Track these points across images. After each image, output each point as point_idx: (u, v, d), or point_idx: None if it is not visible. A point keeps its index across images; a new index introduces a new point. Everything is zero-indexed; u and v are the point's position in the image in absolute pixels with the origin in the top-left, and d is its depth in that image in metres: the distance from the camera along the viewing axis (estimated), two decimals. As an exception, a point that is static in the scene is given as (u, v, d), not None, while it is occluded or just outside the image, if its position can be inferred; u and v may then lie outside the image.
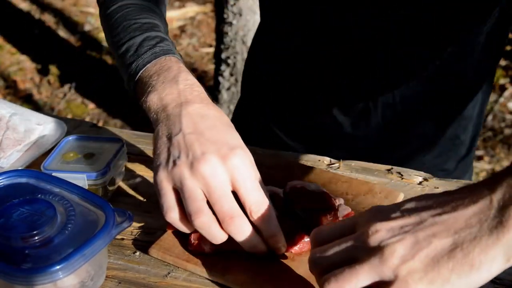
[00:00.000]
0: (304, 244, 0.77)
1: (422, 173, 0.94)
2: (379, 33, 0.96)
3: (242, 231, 0.72)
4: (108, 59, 3.61)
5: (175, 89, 0.77)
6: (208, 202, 0.72)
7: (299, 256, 0.77)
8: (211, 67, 3.49)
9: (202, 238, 0.77)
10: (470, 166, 1.18)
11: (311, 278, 0.73)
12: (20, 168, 0.94)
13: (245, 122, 1.17)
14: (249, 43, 2.49)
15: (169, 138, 0.74)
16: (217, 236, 0.72)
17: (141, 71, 0.81)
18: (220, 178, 0.70)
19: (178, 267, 0.78)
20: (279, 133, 1.15)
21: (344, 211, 0.81)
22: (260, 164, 0.95)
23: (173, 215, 0.74)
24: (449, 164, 1.12)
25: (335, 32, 0.99)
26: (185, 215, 0.73)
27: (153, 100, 0.77)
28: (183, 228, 0.75)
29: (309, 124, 1.11)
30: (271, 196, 0.85)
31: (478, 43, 0.97)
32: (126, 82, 0.85)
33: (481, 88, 1.06)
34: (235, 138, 0.75)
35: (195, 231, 0.79)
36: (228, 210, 0.71)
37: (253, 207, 0.72)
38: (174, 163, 0.72)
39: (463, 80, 1.02)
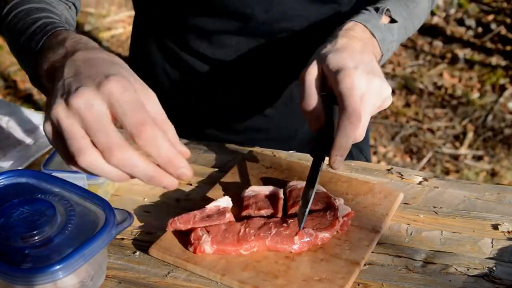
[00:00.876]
0: (304, 244, 0.77)
1: (421, 173, 0.94)
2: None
3: (127, 163, 0.63)
4: (108, 59, 3.60)
5: (62, 49, 0.73)
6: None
7: (299, 256, 0.77)
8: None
9: (202, 238, 0.77)
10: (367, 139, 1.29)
11: (311, 278, 0.73)
12: (20, 168, 0.94)
13: None
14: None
15: (52, 90, 0.68)
16: (108, 173, 0.65)
17: (39, 56, 0.77)
18: (95, 108, 0.63)
19: (178, 267, 0.78)
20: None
21: (344, 211, 0.81)
22: (260, 164, 0.95)
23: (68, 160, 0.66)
24: None
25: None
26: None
27: (42, 66, 0.74)
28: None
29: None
30: (271, 196, 0.85)
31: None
32: (32, 78, 0.81)
33: None
34: (116, 69, 0.68)
35: (194, 230, 0.79)
36: (105, 142, 0.63)
37: (133, 130, 0.63)
38: (51, 107, 0.66)
39: None
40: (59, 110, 0.65)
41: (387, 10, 0.94)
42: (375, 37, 0.90)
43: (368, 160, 1.31)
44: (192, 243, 0.78)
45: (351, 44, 0.86)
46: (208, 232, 0.79)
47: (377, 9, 0.94)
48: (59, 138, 0.66)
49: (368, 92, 0.80)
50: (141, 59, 1.19)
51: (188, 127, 1.13)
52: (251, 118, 1.15)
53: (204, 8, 1.03)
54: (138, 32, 1.21)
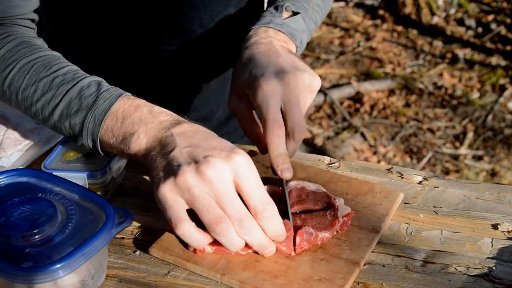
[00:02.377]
0: (304, 243, 0.77)
1: (422, 172, 0.94)
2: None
3: (252, 232, 0.71)
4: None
5: (157, 122, 0.75)
6: None
7: (299, 256, 0.77)
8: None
9: None
10: None
11: (311, 278, 0.74)
12: (20, 167, 0.94)
13: None
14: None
15: (165, 156, 0.72)
16: (237, 242, 0.71)
17: (102, 121, 0.77)
18: (226, 180, 0.69)
19: (178, 266, 0.78)
20: None
21: (344, 210, 0.81)
22: (260, 164, 0.95)
23: (185, 226, 0.71)
24: None
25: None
26: (197, 225, 0.71)
27: (140, 140, 0.75)
28: (198, 239, 0.72)
29: None
30: (270, 194, 0.85)
31: None
32: (83, 138, 0.80)
33: None
34: (229, 143, 0.74)
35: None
36: (239, 213, 0.69)
37: (258, 206, 0.71)
38: (176, 173, 0.69)
39: None
40: (190, 178, 0.68)
41: (286, 6, 0.96)
42: (284, 33, 0.92)
43: None
44: None
45: (256, 56, 0.87)
46: None
47: (276, 8, 0.96)
48: (178, 197, 0.70)
49: (285, 92, 0.81)
50: None
51: None
52: (171, 99, 1.16)
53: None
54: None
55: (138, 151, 0.76)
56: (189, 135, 0.73)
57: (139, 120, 0.76)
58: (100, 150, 0.81)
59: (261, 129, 0.83)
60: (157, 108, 0.78)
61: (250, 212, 0.71)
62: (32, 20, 0.94)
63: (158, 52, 1.10)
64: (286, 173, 0.80)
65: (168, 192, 0.70)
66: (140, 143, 0.75)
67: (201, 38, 1.09)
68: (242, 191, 0.70)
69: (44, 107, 0.82)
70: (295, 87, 0.82)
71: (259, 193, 0.71)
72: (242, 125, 0.88)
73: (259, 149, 0.89)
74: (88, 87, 0.80)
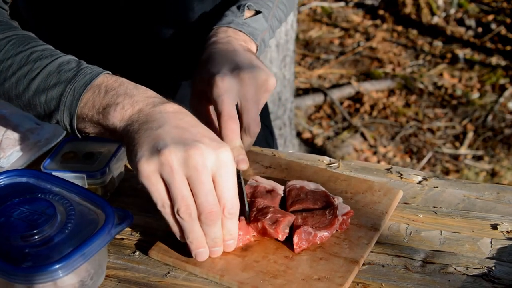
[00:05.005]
0: (303, 243, 0.77)
1: (421, 172, 0.94)
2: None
3: (215, 225, 0.72)
4: (108, 59, 3.61)
5: (144, 96, 0.75)
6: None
7: (298, 255, 0.77)
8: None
9: None
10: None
11: (310, 277, 0.74)
12: (20, 168, 0.94)
13: None
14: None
15: (151, 131, 0.70)
16: (194, 230, 0.72)
17: (82, 94, 0.76)
18: (208, 170, 0.69)
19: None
20: None
21: (343, 209, 0.81)
22: (259, 164, 0.95)
23: (168, 210, 0.72)
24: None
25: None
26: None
27: (124, 109, 0.74)
28: (174, 226, 0.73)
29: None
30: (271, 190, 0.85)
31: None
32: (59, 113, 0.78)
33: None
34: (217, 137, 0.75)
35: None
36: (211, 205, 0.70)
37: (228, 203, 0.72)
38: (161, 152, 0.68)
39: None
40: (174, 158, 0.68)
41: (248, 5, 0.97)
42: (244, 33, 0.94)
43: (273, 139, 1.35)
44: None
45: (213, 55, 0.88)
46: None
47: (239, 7, 0.97)
48: (161, 183, 0.70)
49: (241, 89, 0.83)
50: None
51: None
52: (166, 88, 1.15)
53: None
54: None
55: (119, 121, 0.74)
56: (179, 116, 0.73)
57: (124, 93, 0.75)
58: (75, 126, 0.78)
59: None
60: (142, 86, 0.77)
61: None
62: (4, 1, 0.92)
63: (151, 38, 1.09)
64: (242, 164, 0.80)
65: (151, 172, 0.69)
66: (124, 112, 0.74)
67: (195, 19, 1.08)
68: (219, 185, 0.71)
69: (19, 81, 0.80)
70: (251, 84, 0.83)
71: (234, 190, 0.72)
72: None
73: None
74: (68, 63, 0.79)
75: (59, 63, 0.79)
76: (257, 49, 0.96)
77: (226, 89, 0.82)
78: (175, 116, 0.73)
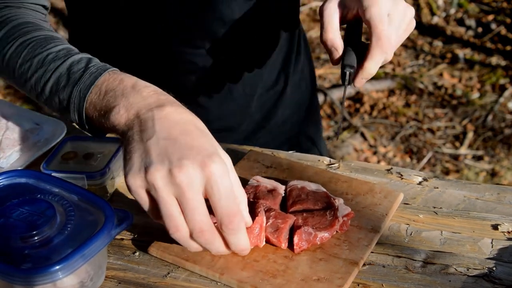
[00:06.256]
0: (303, 243, 0.77)
1: (422, 173, 0.94)
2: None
3: (211, 244, 0.69)
4: (108, 59, 3.61)
5: (139, 97, 0.73)
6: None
7: (298, 255, 0.77)
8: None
9: None
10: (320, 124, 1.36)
11: (310, 278, 0.73)
12: (19, 168, 0.94)
13: None
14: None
15: (141, 142, 0.70)
16: (191, 247, 0.71)
17: (87, 96, 0.76)
18: (195, 188, 0.67)
19: (177, 267, 0.78)
20: None
21: (344, 210, 0.81)
22: (260, 164, 0.95)
23: (159, 221, 0.70)
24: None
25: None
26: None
27: (119, 114, 0.73)
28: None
29: None
30: (272, 190, 0.85)
31: None
32: (71, 114, 0.79)
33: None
34: (211, 143, 0.71)
35: None
36: (199, 223, 0.68)
37: (224, 219, 0.68)
38: (146, 169, 0.67)
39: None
40: (158, 177, 0.67)
41: None
42: None
43: (322, 153, 1.35)
44: None
45: None
46: None
47: None
48: (149, 198, 0.69)
49: (395, 16, 0.83)
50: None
51: None
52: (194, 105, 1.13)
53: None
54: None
55: (117, 125, 0.73)
56: (170, 124, 0.70)
57: (121, 94, 0.74)
58: (86, 126, 0.79)
59: (339, 37, 0.85)
60: (142, 82, 0.75)
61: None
62: (44, 7, 0.95)
63: (181, 58, 1.09)
64: (361, 84, 0.85)
65: (138, 187, 0.69)
66: (119, 118, 0.73)
67: (224, 39, 1.07)
68: (211, 200, 0.68)
69: (36, 83, 0.81)
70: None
71: (227, 204, 0.68)
72: (324, 26, 0.87)
73: (331, 57, 0.87)
74: (78, 62, 0.79)
75: (70, 63, 0.80)
76: None
77: (385, 13, 0.82)
78: (167, 123, 0.70)
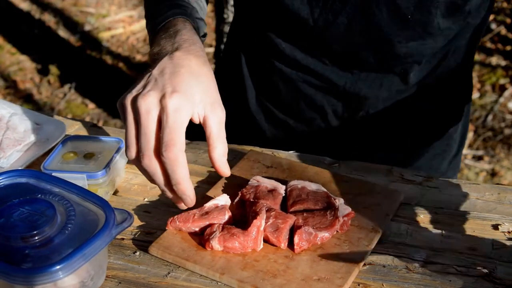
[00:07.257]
0: (304, 243, 0.77)
1: (422, 173, 0.94)
2: (364, 30, 0.95)
3: (148, 168, 0.76)
4: (108, 59, 3.60)
5: (169, 43, 0.83)
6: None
7: (298, 256, 0.77)
8: (211, 66, 3.49)
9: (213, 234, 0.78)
10: (459, 165, 1.21)
11: (310, 278, 0.74)
12: (20, 168, 0.94)
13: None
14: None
15: (142, 75, 0.80)
16: (144, 174, 0.78)
17: (154, 34, 0.88)
18: (151, 116, 0.75)
19: (178, 267, 0.78)
20: (271, 107, 1.14)
21: (344, 210, 0.81)
22: (261, 164, 0.95)
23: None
24: (443, 165, 1.13)
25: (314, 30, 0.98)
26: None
27: (153, 51, 0.84)
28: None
29: (301, 127, 1.12)
30: (272, 190, 0.85)
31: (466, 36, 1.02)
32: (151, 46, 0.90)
33: (468, 84, 1.13)
34: (197, 89, 0.77)
35: (211, 226, 0.80)
36: (144, 147, 0.75)
37: (163, 146, 0.74)
38: (125, 94, 0.78)
39: (453, 75, 1.06)
40: (128, 102, 0.77)
41: None
42: None
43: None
44: (205, 238, 0.78)
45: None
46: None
47: None
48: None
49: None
50: (230, 71, 1.18)
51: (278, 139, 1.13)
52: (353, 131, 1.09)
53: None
54: (230, 44, 1.21)
55: (149, 56, 0.85)
56: (167, 64, 0.79)
57: (167, 36, 0.85)
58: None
59: None
60: (185, 31, 0.85)
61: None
62: None
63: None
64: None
65: (119, 106, 0.79)
66: (151, 51, 0.84)
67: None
68: (162, 129, 0.75)
69: (149, 21, 0.95)
70: None
71: (169, 133, 0.74)
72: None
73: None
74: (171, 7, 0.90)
75: (167, 11, 0.90)
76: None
77: None
78: (166, 63, 0.79)
